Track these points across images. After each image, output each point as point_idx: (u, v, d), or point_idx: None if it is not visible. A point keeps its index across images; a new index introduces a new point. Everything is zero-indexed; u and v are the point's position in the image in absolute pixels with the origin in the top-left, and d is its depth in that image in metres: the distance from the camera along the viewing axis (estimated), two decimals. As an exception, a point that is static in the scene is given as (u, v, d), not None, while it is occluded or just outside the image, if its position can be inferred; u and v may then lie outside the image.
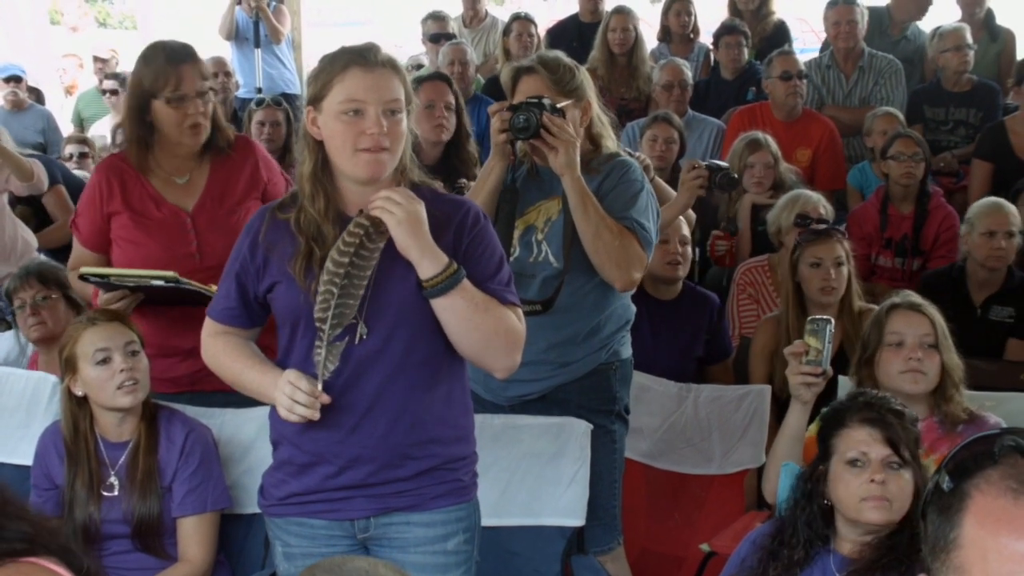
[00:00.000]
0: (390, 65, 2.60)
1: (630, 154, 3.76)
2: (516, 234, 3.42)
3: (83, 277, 3.45)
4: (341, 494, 2.67)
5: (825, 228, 4.47)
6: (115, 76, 8.42)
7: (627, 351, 3.62)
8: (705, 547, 3.74)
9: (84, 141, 7.45)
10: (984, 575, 1.38)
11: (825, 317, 3.18)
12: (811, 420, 3.27)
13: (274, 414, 2.68)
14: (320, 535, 2.72)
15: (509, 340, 2.65)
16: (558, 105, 3.30)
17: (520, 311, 2.70)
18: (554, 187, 3.40)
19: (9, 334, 4.70)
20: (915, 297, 3.43)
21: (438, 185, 2.81)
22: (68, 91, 9.32)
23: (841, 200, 6.11)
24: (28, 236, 5.60)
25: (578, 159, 3.29)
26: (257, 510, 3.46)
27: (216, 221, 3.57)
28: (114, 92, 7.90)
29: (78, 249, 3.72)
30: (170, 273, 3.35)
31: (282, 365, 2.67)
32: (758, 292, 5.10)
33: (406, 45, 14.69)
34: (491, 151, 3.37)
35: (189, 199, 3.59)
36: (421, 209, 2.52)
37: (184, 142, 3.53)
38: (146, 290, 3.44)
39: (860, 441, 2.75)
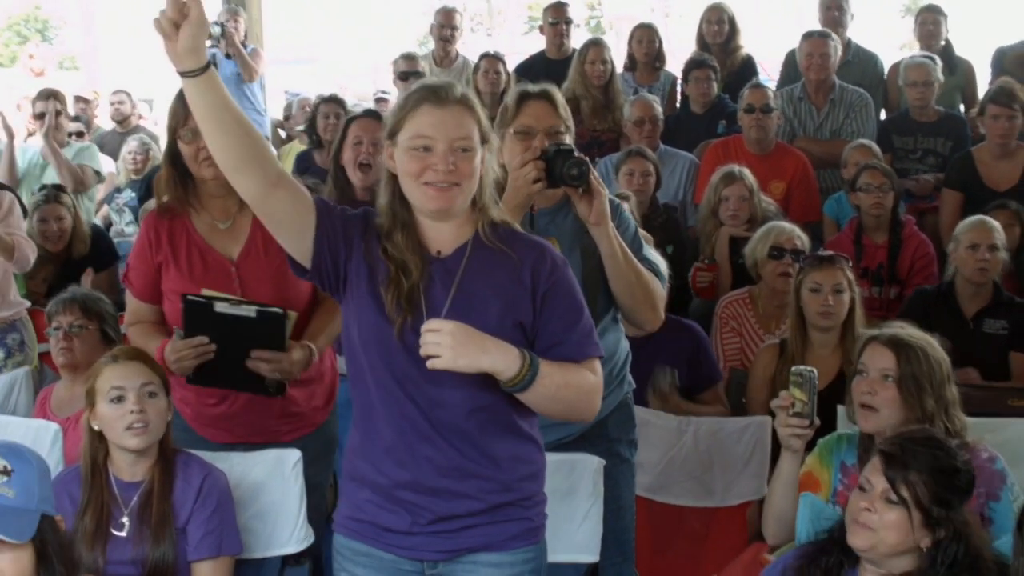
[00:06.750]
0: (464, 103, 2.62)
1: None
2: None
3: (185, 299, 3.38)
4: (416, 528, 2.67)
5: (829, 255, 4.55)
6: (77, 119, 8.36)
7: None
8: (714, 579, 3.76)
9: None
10: None
11: (808, 368, 3.19)
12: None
13: (351, 440, 2.76)
14: (388, 568, 2.73)
15: (591, 400, 2.69)
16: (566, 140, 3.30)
17: (598, 363, 2.70)
18: (548, 229, 3.39)
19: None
20: (898, 331, 3.32)
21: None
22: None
23: (817, 232, 6.17)
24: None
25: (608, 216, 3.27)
26: (267, 554, 3.53)
27: (260, 270, 3.50)
28: (80, 134, 7.83)
29: (132, 303, 3.65)
30: (276, 309, 3.32)
31: (351, 373, 2.71)
32: (740, 325, 5.14)
33: (351, 85, 14.73)
34: (511, 200, 3.24)
35: (234, 246, 3.52)
36: (458, 331, 2.47)
37: (203, 175, 3.46)
38: (225, 340, 3.39)
39: (870, 469, 2.80)
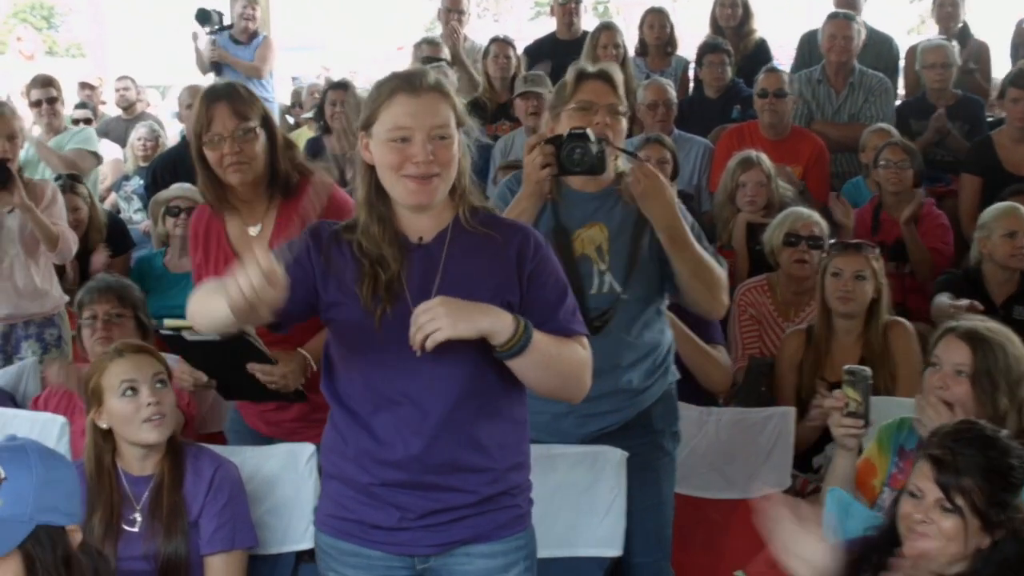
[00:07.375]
0: (438, 89, 2.56)
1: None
2: None
3: (160, 335, 3.34)
4: (405, 523, 2.63)
5: (856, 242, 4.51)
6: (83, 106, 8.29)
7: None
8: (740, 574, 3.68)
9: None
10: None
11: (862, 368, 3.15)
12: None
13: (327, 438, 2.72)
14: (378, 566, 2.68)
15: (581, 375, 2.65)
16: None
17: (585, 340, 2.67)
18: (595, 214, 3.32)
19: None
20: (977, 325, 3.23)
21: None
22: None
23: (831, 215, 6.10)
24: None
25: (673, 203, 3.18)
26: (281, 550, 3.46)
27: None
28: (87, 121, 7.77)
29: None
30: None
31: (330, 385, 2.68)
32: (759, 312, 5.06)
33: (361, 71, 14.65)
34: (524, 189, 3.21)
35: None
36: (447, 301, 2.44)
37: (228, 180, 3.42)
38: (213, 364, 3.34)
39: (918, 475, 2.69)
